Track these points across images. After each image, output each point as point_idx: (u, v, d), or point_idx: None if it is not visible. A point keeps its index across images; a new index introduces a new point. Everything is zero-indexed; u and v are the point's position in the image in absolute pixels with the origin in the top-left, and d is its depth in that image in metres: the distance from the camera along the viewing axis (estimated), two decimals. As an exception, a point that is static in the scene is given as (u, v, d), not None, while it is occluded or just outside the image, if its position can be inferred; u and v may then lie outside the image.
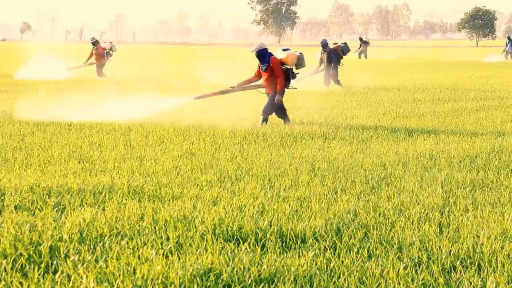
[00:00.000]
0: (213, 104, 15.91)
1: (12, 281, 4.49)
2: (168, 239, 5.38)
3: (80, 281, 4.46)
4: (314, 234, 5.52)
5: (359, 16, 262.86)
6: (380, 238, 5.47)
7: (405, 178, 7.88)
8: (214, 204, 6.51)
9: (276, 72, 12.40)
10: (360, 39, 54.16)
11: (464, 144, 10.46)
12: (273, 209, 6.32)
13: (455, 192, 7.14)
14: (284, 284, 4.49)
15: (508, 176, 8.08)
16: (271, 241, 5.35)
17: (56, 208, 6.34)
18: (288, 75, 12.57)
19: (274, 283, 4.52)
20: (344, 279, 4.59)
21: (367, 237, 5.53)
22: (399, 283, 4.55)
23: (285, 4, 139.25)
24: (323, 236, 5.47)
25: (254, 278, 4.55)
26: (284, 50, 12.65)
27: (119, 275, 4.54)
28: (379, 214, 6.22)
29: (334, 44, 23.07)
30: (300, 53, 12.62)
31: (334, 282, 4.56)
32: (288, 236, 5.48)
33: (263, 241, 5.36)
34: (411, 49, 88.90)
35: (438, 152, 9.66)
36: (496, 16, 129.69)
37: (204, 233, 5.50)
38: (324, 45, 22.54)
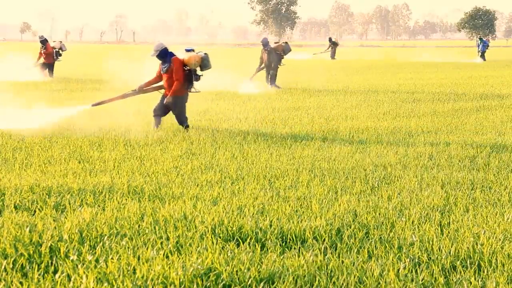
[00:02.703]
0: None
1: (12, 281, 4.49)
2: (168, 239, 5.38)
3: (80, 281, 4.46)
4: (314, 234, 5.52)
5: (359, 16, 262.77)
6: (380, 238, 5.47)
7: (405, 178, 7.89)
8: (214, 204, 6.51)
9: (175, 73, 11.54)
10: (330, 39, 53.11)
11: (464, 144, 10.46)
12: (273, 209, 6.32)
13: (455, 192, 7.14)
14: (284, 284, 4.49)
15: (508, 176, 8.08)
16: (271, 241, 5.35)
17: (56, 208, 6.34)
18: (191, 77, 11.71)
19: (274, 283, 4.52)
20: (344, 279, 4.59)
21: (367, 237, 5.53)
22: (399, 283, 4.55)
23: (285, 4, 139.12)
24: (323, 236, 5.47)
25: (254, 278, 4.55)
26: (188, 50, 11.79)
27: (119, 275, 4.54)
28: (379, 214, 6.22)
29: (275, 43, 22.51)
30: (205, 53, 11.82)
31: (334, 282, 4.56)
32: (288, 236, 5.48)
33: (263, 241, 5.36)
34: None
35: (438, 152, 9.66)
36: (496, 16, 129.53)
37: (204, 233, 5.50)
38: (265, 44, 21.95)
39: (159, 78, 11.92)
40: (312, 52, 54.04)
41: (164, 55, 11.60)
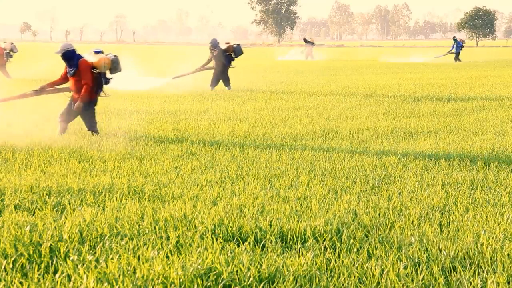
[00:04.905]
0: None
1: (12, 281, 4.49)
2: (168, 239, 5.38)
3: (80, 281, 4.46)
4: (314, 234, 5.52)
5: (359, 16, 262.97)
6: (380, 238, 5.47)
7: (405, 178, 7.89)
8: (214, 204, 6.51)
9: (83, 77, 10.89)
10: (305, 39, 52.24)
11: (464, 144, 10.46)
12: (273, 209, 6.32)
13: (455, 192, 7.14)
14: (284, 284, 4.49)
15: (508, 176, 8.08)
16: (271, 241, 5.35)
17: (56, 208, 6.34)
18: (100, 81, 11.15)
19: (274, 283, 4.52)
20: (344, 279, 4.59)
21: (367, 237, 5.54)
22: (399, 283, 4.55)
23: (285, 4, 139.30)
24: (323, 236, 5.47)
25: (254, 278, 4.55)
26: (96, 52, 11.14)
27: (119, 275, 4.54)
28: (379, 214, 6.22)
29: (226, 44, 21.63)
30: (115, 56, 11.28)
31: (334, 282, 4.56)
32: (288, 236, 5.48)
33: (263, 241, 5.36)
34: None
35: (438, 152, 9.66)
36: (496, 16, 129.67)
37: (204, 233, 5.50)
38: (214, 45, 21.07)
39: (63, 80, 11.32)
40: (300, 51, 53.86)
41: (71, 57, 10.94)
